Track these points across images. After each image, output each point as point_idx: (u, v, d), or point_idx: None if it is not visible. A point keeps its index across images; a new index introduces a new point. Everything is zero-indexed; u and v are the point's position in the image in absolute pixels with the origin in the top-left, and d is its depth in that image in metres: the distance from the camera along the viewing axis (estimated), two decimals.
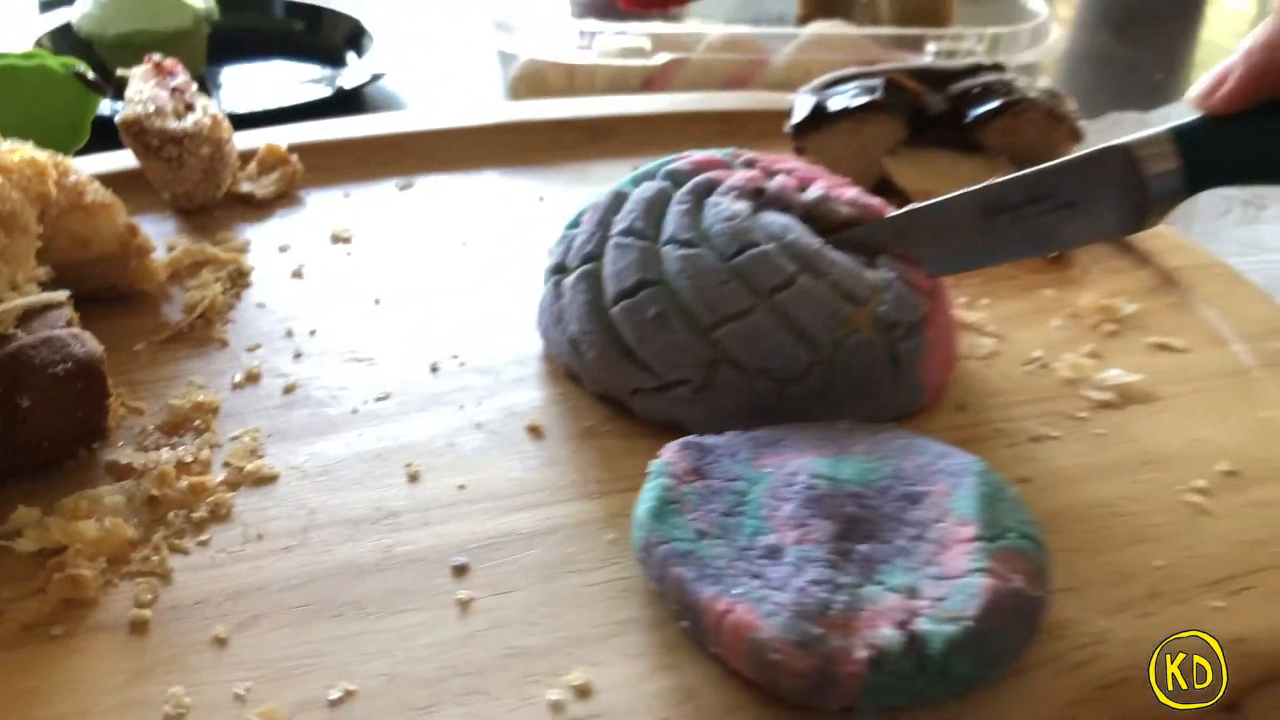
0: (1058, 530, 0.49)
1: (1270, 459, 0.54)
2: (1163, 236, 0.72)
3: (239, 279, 0.67)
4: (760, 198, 0.57)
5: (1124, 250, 0.72)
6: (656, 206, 0.56)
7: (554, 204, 0.77)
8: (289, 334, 0.62)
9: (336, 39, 1.08)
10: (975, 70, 0.78)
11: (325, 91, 0.95)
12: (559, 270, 0.59)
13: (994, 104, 0.74)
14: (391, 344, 0.61)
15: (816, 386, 0.52)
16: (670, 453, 0.48)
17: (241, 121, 0.84)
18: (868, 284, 0.53)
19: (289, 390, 0.57)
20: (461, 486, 0.51)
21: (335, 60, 1.06)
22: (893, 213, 0.55)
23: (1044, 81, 0.78)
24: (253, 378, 0.58)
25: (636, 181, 0.59)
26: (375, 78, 0.99)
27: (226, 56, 1.06)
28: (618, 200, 0.58)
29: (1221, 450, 0.55)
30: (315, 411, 0.56)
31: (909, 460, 0.48)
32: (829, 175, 0.60)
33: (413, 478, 0.52)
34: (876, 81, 0.76)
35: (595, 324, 0.55)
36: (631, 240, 0.55)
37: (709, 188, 0.57)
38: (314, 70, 1.05)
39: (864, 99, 0.75)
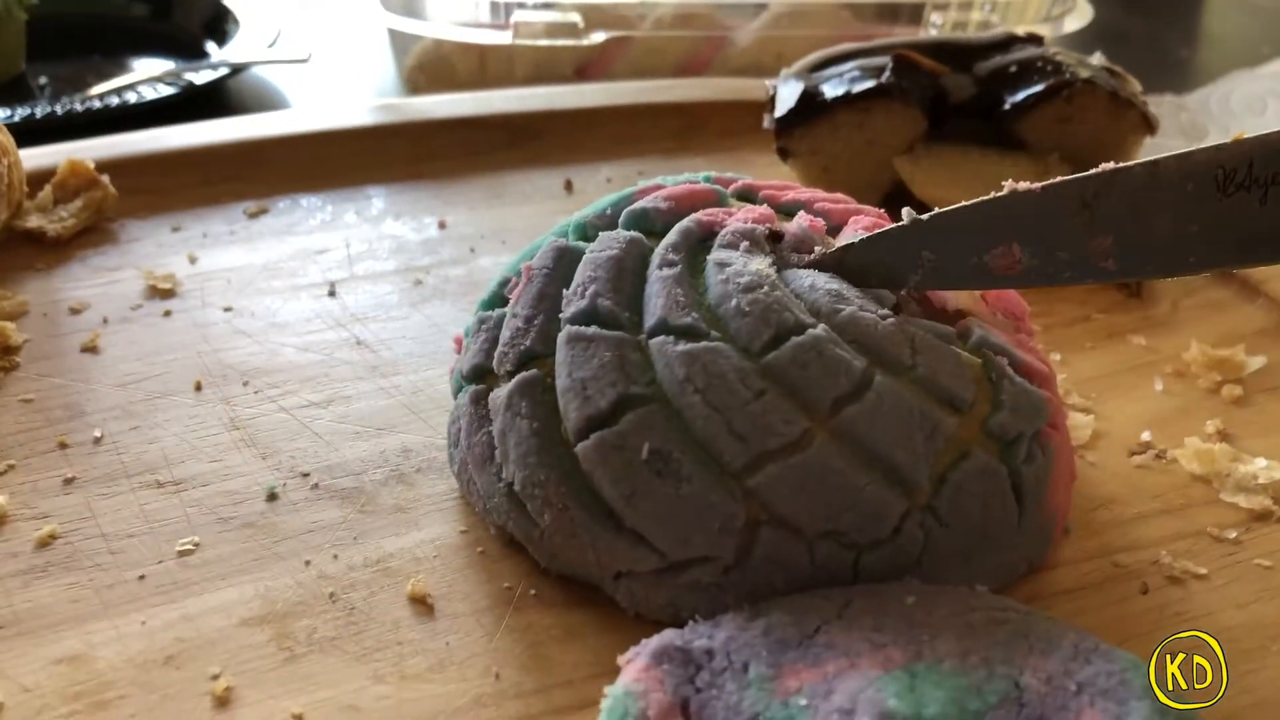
0: None
1: None
2: None
3: (2, 358, 0.46)
4: (780, 248, 0.38)
5: (1223, 277, 0.54)
6: (629, 271, 0.37)
7: (460, 231, 0.58)
8: (62, 446, 0.42)
9: (193, 26, 0.87)
10: (1008, 43, 0.60)
11: (168, 91, 0.74)
12: (478, 376, 0.39)
13: (1039, 87, 0.56)
14: (213, 456, 0.41)
15: (910, 550, 0.33)
16: (637, 670, 0.29)
17: (55, 133, 0.64)
18: (968, 375, 0.35)
19: (45, 543, 0.37)
20: (297, 718, 0.32)
21: (192, 52, 0.85)
22: (1062, 179, 0.34)
23: (1096, 57, 0.60)
24: None
25: (586, 231, 0.40)
26: (236, 70, 0.78)
27: (53, 52, 0.84)
28: (563, 260, 0.38)
29: None
30: (79, 581, 0.36)
31: (1030, 667, 0.29)
32: (860, 206, 0.41)
33: (220, 702, 0.32)
34: (883, 60, 0.58)
35: (550, 470, 0.35)
36: (597, 330, 0.35)
37: (703, 236, 0.38)
38: (165, 65, 0.84)
39: (869, 82, 0.57)
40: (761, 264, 0.36)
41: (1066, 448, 0.38)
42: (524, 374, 0.36)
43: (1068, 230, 0.34)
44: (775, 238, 0.38)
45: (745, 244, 0.37)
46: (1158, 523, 0.40)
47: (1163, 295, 0.53)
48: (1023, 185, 0.34)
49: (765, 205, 0.40)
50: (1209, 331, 0.50)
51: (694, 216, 0.38)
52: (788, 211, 0.40)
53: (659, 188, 0.41)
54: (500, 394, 0.37)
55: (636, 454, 0.33)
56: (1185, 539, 0.39)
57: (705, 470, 0.33)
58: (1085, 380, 0.47)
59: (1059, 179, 0.34)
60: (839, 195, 0.42)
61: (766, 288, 0.35)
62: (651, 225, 0.39)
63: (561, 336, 0.36)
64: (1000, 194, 0.34)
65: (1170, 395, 0.46)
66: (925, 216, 0.36)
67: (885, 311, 0.36)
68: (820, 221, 0.39)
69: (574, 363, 0.35)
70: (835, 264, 0.37)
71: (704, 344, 0.34)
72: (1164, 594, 0.37)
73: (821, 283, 0.36)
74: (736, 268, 0.36)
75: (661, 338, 0.34)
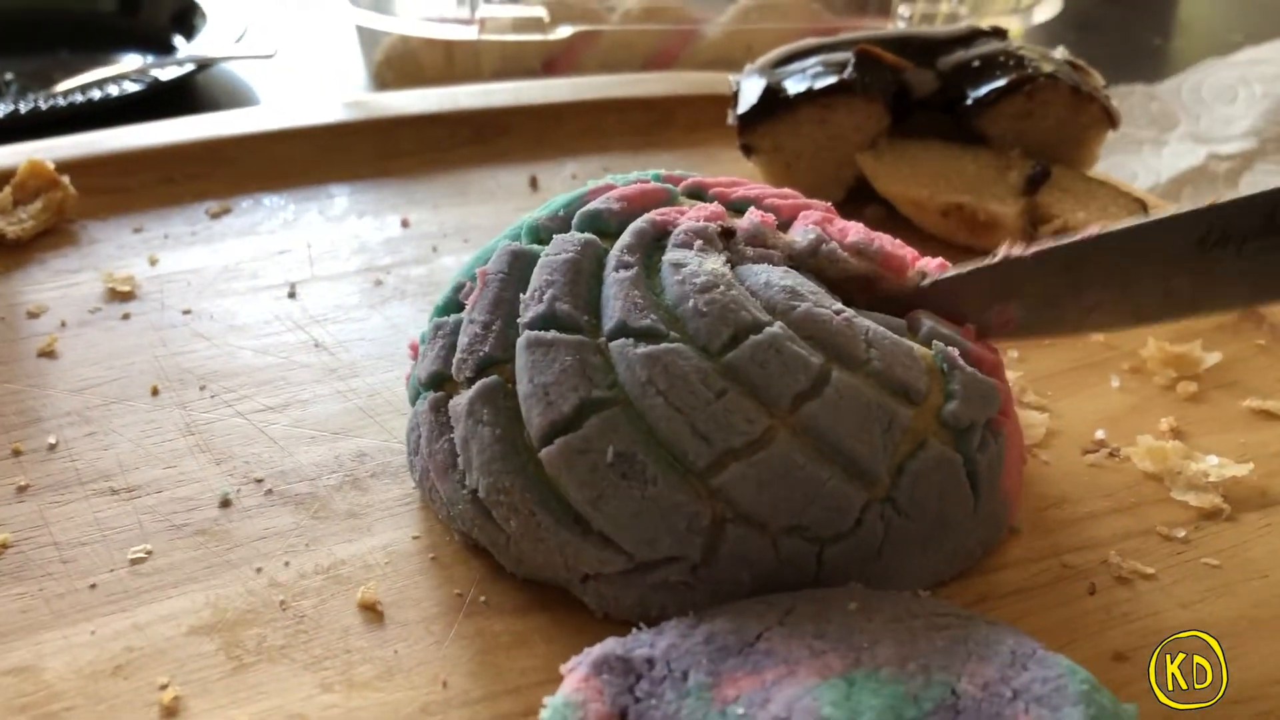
0: None
1: None
2: None
3: None
4: (733, 244, 0.38)
5: None
6: (585, 273, 0.37)
7: (423, 229, 0.57)
8: (16, 453, 0.42)
9: (161, 21, 0.87)
10: (970, 37, 0.60)
11: (134, 87, 0.73)
12: (437, 383, 0.38)
13: (1001, 81, 0.57)
14: (168, 462, 0.41)
15: (871, 540, 0.34)
16: (577, 680, 0.29)
17: (19, 131, 0.64)
18: (921, 367, 0.35)
19: None
20: None
21: (160, 47, 0.85)
22: (1052, 243, 0.37)
23: (1059, 51, 0.60)
24: None
25: (539, 234, 0.40)
26: (202, 66, 0.78)
27: (19, 47, 0.84)
28: (518, 264, 0.38)
29: None
30: (29, 591, 0.36)
31: (968, 674, 0.29)
32: (809, 201, 0.42)
33: (168, 712, 0.32)
34: (845, 55, 0.58)
35: (515, 476, 0.35)
36: (557, 334, 0.35)
37: (657, 236, 0.38)
38: (133, 60, 0.84)
39: (831, 78, 0.57)
40: (716, 263, 0.36)
41: (1016, 433, 0.38)
42: (484, 380, 0.36)
43: (1060, 288, 0.37)
44: (727, 234, 0.38)
45: (699, 243, 0.37)
46: (1108, 521, 0.40)
47: None
48: (1015, 250, 0.37)
49: (715, 203, 0.40)
50: (1167, 328, 0.50)
51: (647, 216, 0.38)
52: (738, 208, 0.41)
53: (610, 188, 0.41)
54: (461, 401, 0.37)
55: (601, 457, 0.33)
56: (1135, 538, 0.39)
57: (670, 471, 0.33)
58: (1042, 378, 0.47)
59: (1047, 245, 0.37)
60: (787, 190, 0.42)
61: (723, 287, 0.35)
62: (605, 226, 0.39)
63: (521, 342, 0.36)
64: (995, 260, 0.38)
65: (1126, 392, 0.47)
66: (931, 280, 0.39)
67: (839, 307, 0.36)
68: (771, 217, 0.40)
69: (535, 368, 0.35)
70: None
71: (664, 345, 0.34)
72: (1111, 594, 0.37)
73: (776, 279, 0.36)
74: (692, 268, 0.36)
75: (622, 340, 0.35)
